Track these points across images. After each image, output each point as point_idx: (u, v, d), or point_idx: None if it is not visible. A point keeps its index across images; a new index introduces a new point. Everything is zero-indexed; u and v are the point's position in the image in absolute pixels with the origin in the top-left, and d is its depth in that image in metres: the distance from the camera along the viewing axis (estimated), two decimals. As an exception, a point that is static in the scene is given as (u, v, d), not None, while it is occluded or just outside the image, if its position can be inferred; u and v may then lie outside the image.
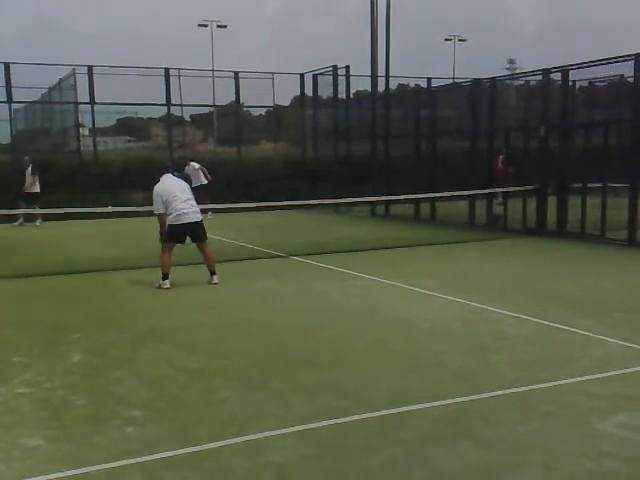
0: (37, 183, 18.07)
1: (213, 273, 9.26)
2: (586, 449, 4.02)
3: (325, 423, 4.41)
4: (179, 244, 9.27)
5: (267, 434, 4.25)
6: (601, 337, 6.38)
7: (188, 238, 9.25)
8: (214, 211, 18.05)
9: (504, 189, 15.43)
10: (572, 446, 4.07)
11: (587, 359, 5.74)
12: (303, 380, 5.34)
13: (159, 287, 8.97)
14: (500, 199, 16.04)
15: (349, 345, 6.33)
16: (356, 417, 4.50)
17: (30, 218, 17.90)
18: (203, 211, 17.82)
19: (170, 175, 9.29)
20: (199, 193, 18.12)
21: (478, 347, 6.16)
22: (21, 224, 17.81)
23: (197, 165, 18.81)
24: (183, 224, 8.96)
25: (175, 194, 8.96)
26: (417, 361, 5.80)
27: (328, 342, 6.45)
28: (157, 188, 9.05)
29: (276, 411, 4.67)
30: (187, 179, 18.41)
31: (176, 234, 9.04)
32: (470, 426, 4.36)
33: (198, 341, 6.55)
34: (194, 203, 9.12)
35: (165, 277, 9.02)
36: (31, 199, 17.84)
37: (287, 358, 5.93)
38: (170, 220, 8.97)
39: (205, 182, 18.49)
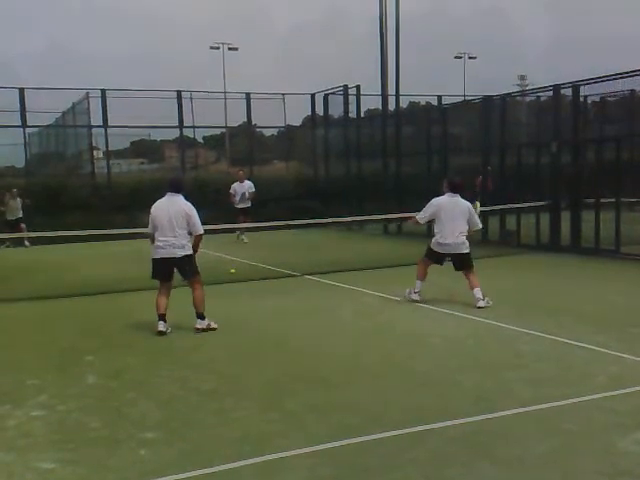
0: (20, 209, 18.75)
1: (199, 316, 7.81)
2: (603, 467, 3.97)
3: (340, 443, 4.38)
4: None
5: (282, 454, 4.23)
6: (617, 353, 6.31)
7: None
8: (224, 230, 17.93)
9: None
10: (589, 464, 4.02)
11: (603, 376, 5.68)
12: (317, 399, 5.32)
13: (158, 333, 7.62)
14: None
15: (362, 363, 6.31)
16: (371, 436, 4.48)
17: (19, 241, 18.46)
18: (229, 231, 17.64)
19: (171, 195, 7.87)
20: (243, 215, 17.53)
21: (493, 365, 6.12)
22: (7, 246, 18.34)
23: (253, 188, 18.05)
24: (156, 259, 7.85)
25: (162, 222, 7.73)
26: (431, 379, 5.77)
27: (341, 360, 6.43)
28: (153, 207, 7.95)
29: (290, 431, 4.65)
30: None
31: (155, 268, 7.91)
32: (486, 445, 4.32)
33: (211, 361, 6.55)
34: (178, 235, 7.68)
35: (160, 318, 7.71)
36: (15, 224, 18.50)
37: (300, 377, 5.92)
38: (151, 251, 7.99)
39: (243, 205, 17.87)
